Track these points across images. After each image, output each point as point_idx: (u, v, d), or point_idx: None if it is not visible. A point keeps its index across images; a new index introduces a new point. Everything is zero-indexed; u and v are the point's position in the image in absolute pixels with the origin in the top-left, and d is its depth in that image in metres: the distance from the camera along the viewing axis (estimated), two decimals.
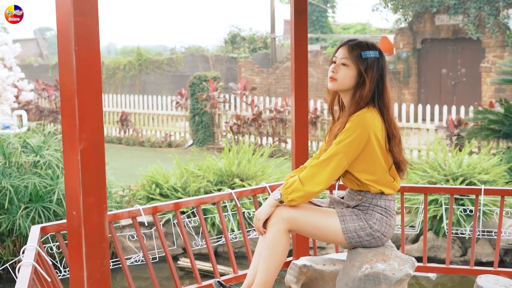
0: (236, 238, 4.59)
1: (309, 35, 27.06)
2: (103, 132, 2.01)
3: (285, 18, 33.74)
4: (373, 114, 3.12)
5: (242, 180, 8.10)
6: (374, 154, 3.12)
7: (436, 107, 12.71)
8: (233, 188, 8.03)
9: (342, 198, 3.39)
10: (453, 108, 12.27)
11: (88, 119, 1.99)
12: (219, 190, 8.04)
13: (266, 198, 4.98)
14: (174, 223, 4.32)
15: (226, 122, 14.60)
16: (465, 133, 10.82)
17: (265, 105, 14.44)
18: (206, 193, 8.08)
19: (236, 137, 14.02)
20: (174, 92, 19.70)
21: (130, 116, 16.60)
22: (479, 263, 7.67)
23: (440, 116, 12.67)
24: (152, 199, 8.08)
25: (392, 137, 3.18)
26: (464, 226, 7.45)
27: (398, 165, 3.23)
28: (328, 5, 28.82)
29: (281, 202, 3.16)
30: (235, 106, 14.88)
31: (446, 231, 4.94)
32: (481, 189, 4.21)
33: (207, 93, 14.77)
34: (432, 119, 12.85)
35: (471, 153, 9.30)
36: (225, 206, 5.10)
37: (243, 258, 7.47)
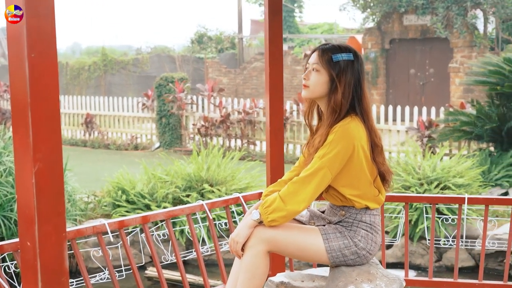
0: (207, 251, 4.33)
1: None
2: (61, 151, 1.76)
3: (252, 18, 33.55)
4: (357, 123, 2.89)
5: (211, 185, 7.85)
6: (358, 167, 2.89)
7: (407, 108, 12.59)
8: (202, 194, 7.78)
9: (323, 212, 3.16)
10: (424, 109, 12.16)
11: (43, 136, 1.72)
12: (188, 196, 7.78)
13: (239, 207, 4.75)
14: (142, 237, 4.07)
15: (193, 124, 14.32)
16: (436, 135, 10.70)
17: (233, 106, 14.19)
18: (174, 199, 7.81)
19: (204, 139, 13.75)
20: (140, 93, 19.34)
21: (95, 118, 16.22)
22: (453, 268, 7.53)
23: (410, 117, 12.56)
24: (118, 206, 7.80)
25: (374, 146, 2.96)
26: (439, 231, 7.31)
27: (383, 176, 3.01)
28: (295, 4, 28.68)
29: (260, 222, 2.92)
30: (203, 107, 14.61)
31: (428, 240, 4.75)
32: (464, 198, 4.03)
33: (173, 94, 14.47)
34: (402, 120, 12.73)
35: (435, 154, 9.14)
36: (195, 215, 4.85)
37: (213, 266, 7.23)
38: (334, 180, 2.90)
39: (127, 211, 7.70)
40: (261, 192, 4.33)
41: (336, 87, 2.92)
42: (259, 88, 20.51)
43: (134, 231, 4.33)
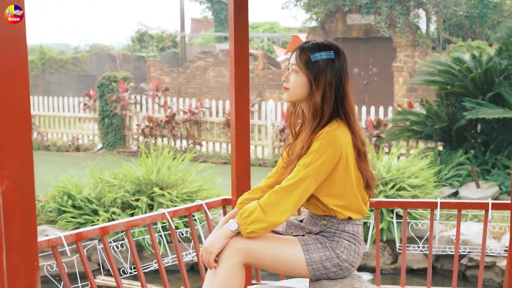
0: (168, 262, 4.09)
1: (218, 34, 26.65)
2: (32, 167, 1.50)
3: (192, 17, 33.23)
4: (343, 130, 2.69)
5: (161, 189, 7.56)
6: (343, 176, 2.69)
7: (355, 108, 12.52)
8: (152, 198, 7.50)
9: (301, 221, 2.96)
10: (372, 108, 12.11)
11: (12, 149, 1.47)
12: (137, 200, 7.49)
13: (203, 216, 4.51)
14: (99, 249, 3.80)
15: (137, 125, 13.94)
16: (385, 134, 10.66)
17: (178, 106, 13.88)
18: (123, 204, 7.50)
19: (148, 140, 13.40)
20: (79, 92, 18.84)
21: (34, 118, 15.66)
22: (409, 270, 7.46)
23: (357, 116, 12.49)
24: (64, 211, 7.45)
25: (359, 152, 2.77)
26: (394, 233, 7.20)
27: (367, 183, 2.83)
28: None
29: (238, 232, 2.70)
30: (147, 107, 14.25)
31: (399, 247, 4.62)
32: (437, 202, 3.89)
33: (117, 94, 14.07)
34: None
35: (389, 154, 9.05)
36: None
37: (173, 272, 6.96)
38: (317, 189, 2.70)
39: (73, 217, 7.36)
40: (225, 199, 4.12)
41: (315, 88, 2.73)
42: (203, 87, 20.24)
43: (91, 243, 4.05)
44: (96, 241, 4.21)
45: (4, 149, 1.46)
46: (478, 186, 9.07)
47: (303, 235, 2.85)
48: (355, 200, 2.75)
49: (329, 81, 2.72)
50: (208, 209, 4.00)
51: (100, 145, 14.58)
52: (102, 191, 7.53)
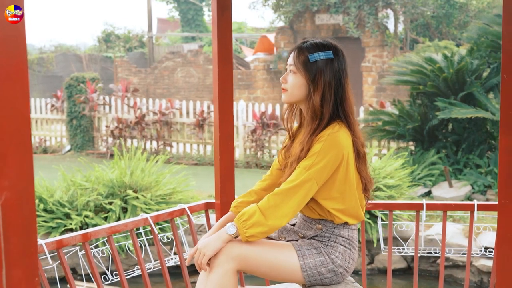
0: (151, 268, 3.99)
1: (185, 34, 26.49)
2: (32, 177, 1.41)
3: (158, 17, 33.01)
4: (345, 131, 2.62)
5: (135, 191, 7.43)
6: (344, 178, 2.62)
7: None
8: (125, 201, 7.38)
9: (293, 225, 2.89)
10: None
11: (11, 158, 1.37)
12: (111, 203, 7.36)
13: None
14: (80, 255, 3.68)
15: (106, 126, 13.75)
16: None
17: (148, 107, 13.72)
18: (96, 207, 7.36)
19: (117, 141, 13.22)
20: (45, 93, 18.58)
21: None
22: (385, 271, 7.44)
23: None
24: (36, 216, 7.27)
25: (358, 153, 2.71)
26: (371, 234, 7.19)
27: (364, 185, 2.77)
28: (204, 3, 28.36)
29: (236, 237, 2.62)
30: (116, 108, 14.06)
31: (384, 249, 4.57)
32: (422, 204, 3.86)
33: (85, 95, 13.86)
34: None
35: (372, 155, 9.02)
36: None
37: (156, 276, 6.84)
38: (316, 192, 2.63)
39: (45, 221, 7.20)
40: (208, 203, 4.04)
41: (314, 89, 2.66)
42: (171, 88, 20.09)
43: (72, 250, 3.94)
44: (77, 248, 4.09)
45: (3, 157, 1.37)
46: (450, 185, 9.10)
47: (297, 240, 2.78)
48: (354, 204, 2.69)
49: (328, 82, 2.65)
50: (191, 213, 3.92)
51: (68, 147, 14.36)
52: (74, 194, 7.37)
